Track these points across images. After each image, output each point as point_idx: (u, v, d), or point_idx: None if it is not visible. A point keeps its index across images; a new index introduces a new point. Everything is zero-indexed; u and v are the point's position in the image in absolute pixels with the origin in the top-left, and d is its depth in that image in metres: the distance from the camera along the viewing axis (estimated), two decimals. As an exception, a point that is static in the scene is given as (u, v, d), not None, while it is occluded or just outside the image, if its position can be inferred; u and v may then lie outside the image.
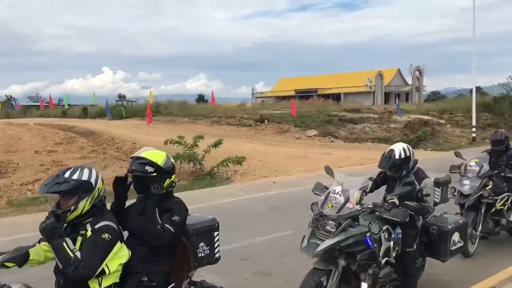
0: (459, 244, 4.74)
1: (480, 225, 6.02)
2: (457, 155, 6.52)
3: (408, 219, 4.09)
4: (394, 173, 4.50)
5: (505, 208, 6.14)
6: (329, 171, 4.53)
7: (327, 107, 40.98)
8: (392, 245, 4.18)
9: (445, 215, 4.90)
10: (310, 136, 27.54)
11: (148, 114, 23.50)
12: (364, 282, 4.04)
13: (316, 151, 20.89)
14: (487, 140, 25.72)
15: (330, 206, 4.02)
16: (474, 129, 24.00)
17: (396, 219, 4.06)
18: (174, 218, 3.03)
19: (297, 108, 39.37)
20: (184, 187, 12.85)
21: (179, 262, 3.09)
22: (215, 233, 3.41)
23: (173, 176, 3.21)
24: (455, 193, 6.08)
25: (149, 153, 3.12)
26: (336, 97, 62.36)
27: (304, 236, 4.09)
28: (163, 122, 32.17)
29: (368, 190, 4.50)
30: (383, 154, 4.53)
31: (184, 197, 3.40)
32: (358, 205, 4.14)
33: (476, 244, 6.09)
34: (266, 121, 31.12)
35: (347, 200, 4.00)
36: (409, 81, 67.11)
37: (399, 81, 69.82)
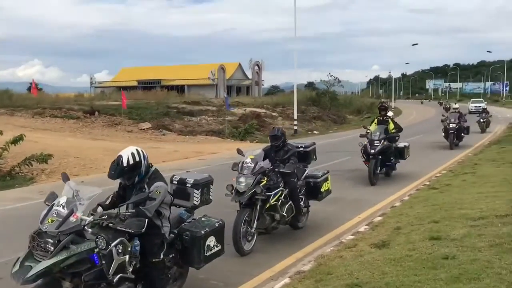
0: (216, 249, 4.55)
1: (256, 222, 6.02)
2: (239, 152, 6.46)
3: (144, 229, 3.71)
4: (127, 180, 4.05)
5: (279, 203, 6.22)
6: (64, 178, 3.88)
7: (168, 99, 40.43)
8: (127, 259, 3.73)
9: (203, 219, 4.68)
10: (143, 129, 26.54)
11: None
12: (97, 304, 3.55)
13: (144, 145, 20.03)
14: (309, 132, 27.66)
15: (50, 221, 3.42)
16: (296, 122, 25.69)
17: (130, 231, 3.64)
18: None
19: (139, 99, 37.91)
20: (-29, 190, 11.01)
21: None
22: None
23: None
24: (232, 191, 5.98)
25: None
26: (180, 88, 62.14)
27: (18, 258, 3.42)
28: (-27, 113, 27.90)
29: (108, 202, 4.11)
30: (114, 161, 4.02)
31: None
32: (91, 217, 3.63)
33: (253, 242, 6.08)
34: (97, 113, 29.05)
35: (70, 212, 3.45)
36: (250, 75, 69.86)
37: (240, 75, 72.18)
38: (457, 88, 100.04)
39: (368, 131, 11.22)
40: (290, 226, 6.89)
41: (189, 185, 4.83)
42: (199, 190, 4.80)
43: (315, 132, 27.10)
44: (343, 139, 22.31)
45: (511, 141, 15.97)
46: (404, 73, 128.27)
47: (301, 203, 6.76)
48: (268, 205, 6.06)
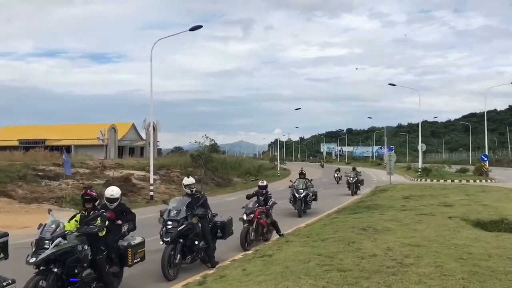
0: None
1: None
2: None
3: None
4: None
5: None
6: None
7: (42, 160, 37.21)
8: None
9: None
10: (-25, 196, 22.97)
11: None
12: None
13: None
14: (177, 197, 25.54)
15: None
16: (152, 188, 23.53)
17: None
18: None
19: (13, 160, 34.15)
20: None
21: None
22: None
23: None
24: None
25: None
26: (66, 149, 58.78)
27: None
28: None
29: None
30: None
31: None
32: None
33: None
34: None
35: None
36: (144, 136, 68.01)
37: (134, 135, 70.16)
38: (346, 151, 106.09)
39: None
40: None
41: None
42: None
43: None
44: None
45: (354, 208, 15.22)
46: (302, 137, 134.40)
47: None
48: None
